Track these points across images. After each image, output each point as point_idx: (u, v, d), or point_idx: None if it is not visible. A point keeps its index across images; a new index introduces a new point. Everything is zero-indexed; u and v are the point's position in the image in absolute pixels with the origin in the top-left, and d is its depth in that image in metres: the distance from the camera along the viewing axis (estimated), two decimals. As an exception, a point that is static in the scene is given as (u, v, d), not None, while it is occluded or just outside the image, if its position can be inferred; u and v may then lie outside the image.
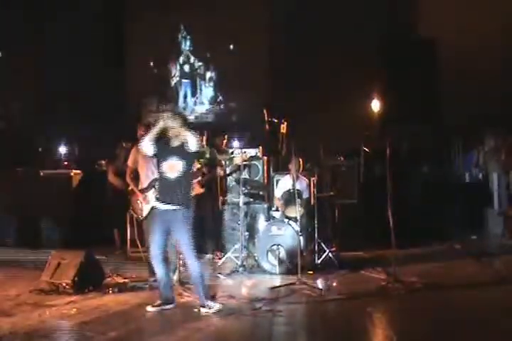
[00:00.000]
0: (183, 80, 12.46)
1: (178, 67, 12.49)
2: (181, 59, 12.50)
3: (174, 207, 5.57)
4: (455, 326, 5.18)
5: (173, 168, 5.57)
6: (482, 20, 10.27)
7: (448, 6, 10.71)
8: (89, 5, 11.40)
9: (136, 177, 6.87)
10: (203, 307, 5.55)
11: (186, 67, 12.46)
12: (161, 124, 5.49)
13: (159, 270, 5.69)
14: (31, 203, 9.28)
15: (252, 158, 8.32)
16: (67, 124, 10.09)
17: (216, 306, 5.55)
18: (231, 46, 12.13)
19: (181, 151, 5.54)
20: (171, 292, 5.77)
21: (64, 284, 6.37)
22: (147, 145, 5.55)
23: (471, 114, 10.15)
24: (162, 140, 5.56)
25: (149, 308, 5.65)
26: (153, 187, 6.69)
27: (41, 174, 9.41)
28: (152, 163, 6.71)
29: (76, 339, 5.00)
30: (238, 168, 8.23)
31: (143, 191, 6.78)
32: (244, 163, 8.12)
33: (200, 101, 12.39)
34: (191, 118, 11.97)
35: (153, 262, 5.70)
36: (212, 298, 6.04)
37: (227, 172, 8.24)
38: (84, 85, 10.80)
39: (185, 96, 12.45)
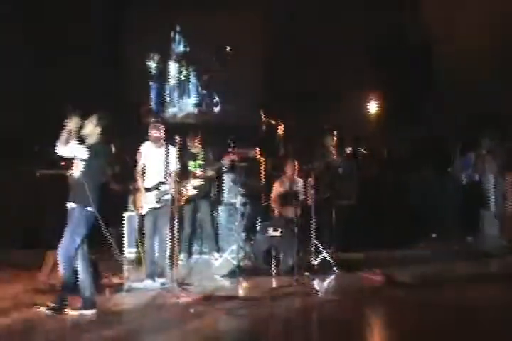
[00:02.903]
0: (179, 81, 12.45)
1: (174, 69, 12.48)
2: (177, 61, 12.48)
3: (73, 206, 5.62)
4: (451, 326, 5.21)
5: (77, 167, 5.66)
6: (478, 23, 10.31)
7: (445, 10, 10.75)
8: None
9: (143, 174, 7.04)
10: (78, 309, 5.52)
11: (182, 69, 12.45)
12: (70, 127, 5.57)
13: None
14: (29, 203, 9.30)
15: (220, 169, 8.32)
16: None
17: (89, 311, 5.51)
18: (228, 49, 12.12)
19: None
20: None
21: (60, 284, 6.38)
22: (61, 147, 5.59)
23: (468, 117, 10.19)
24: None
25: (71, 311, 5.54)
26: (157, 189, 6.83)
27: (37, 174, 9.41)
28: (160, 164, 6.85)
29: (73, 338, 5.02)
30: (220, 168, 8.28)
31: (147, 190, 6.87)
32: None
33: (196, 102, 12.38)
34: (189, 119, 11.99)
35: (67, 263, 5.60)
36: (209, 298, 6.08)
37: (213, 172, 8.19)
38: (81, 85, 10.76)
39: (180, 98, 12.44)
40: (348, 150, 8.65)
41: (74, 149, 5.57)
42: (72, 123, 5.55)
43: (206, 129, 9.69)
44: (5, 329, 5.10)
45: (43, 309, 5.53)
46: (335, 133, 8.53)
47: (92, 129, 5.66)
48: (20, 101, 10.91)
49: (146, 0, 11.92)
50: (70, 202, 5.62)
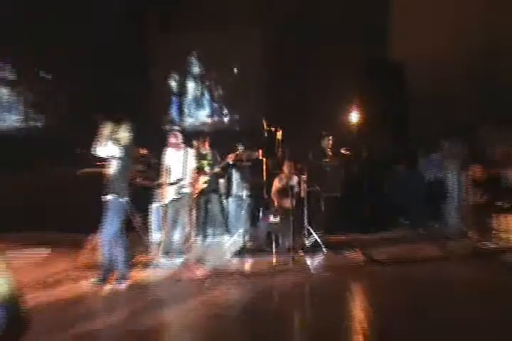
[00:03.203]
0: (193, 94, 12.36)
1: (190, 84, 12.37)
2: (193, 79, 12.39)
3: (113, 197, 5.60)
4: (419, 295, 5.24)
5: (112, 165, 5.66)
6: (451, 42, 10.18)
7: (420, 29, 10.59)
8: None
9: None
10: (117, 282, 5.56)
11: (196, 84, 12.37)
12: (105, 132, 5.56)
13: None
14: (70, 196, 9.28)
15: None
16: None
17: (123, 285, 5.54)
18: (235, 69, 12.05)
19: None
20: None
21: (99, 262, 6.40)
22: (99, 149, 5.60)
23: (434, 124, 10.13)
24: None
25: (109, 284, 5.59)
26: (177, 183, 6.86)
27: (77, 172, 9.32)
28: (179, 164, 6.87)
29: (108, 307, 5.05)
30: (228, 165, 8.27)
31: (171, 184, 6.92)
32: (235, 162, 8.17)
33: (208, 113, 12.32)
34: (203, 126, 11.96)
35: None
36: (220, 273, 6.10)
37: (218, 168, 8.20)
38: (114, 97, 10.66)
39: (194, 108, 12.36)
40: (337, 151, 8.65)
41: (110, 150, 5.58)
42: (106, 129, 5.56)
43: (217, 135, 9.70)
44: (54, 300, 5.16)
45: (87, 283, 5.59)
46: (330, 137, 8.57)
47: (123, 133, 5.67)
48: (67, 111, 10.88)
49: (167, 26, 11.73)
50: (107, 194, 5.63)
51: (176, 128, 11.07)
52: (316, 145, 8.51)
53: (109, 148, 5.58)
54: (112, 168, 5.66)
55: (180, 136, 7.14)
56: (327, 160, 8.45)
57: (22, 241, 8.08)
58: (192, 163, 7.09)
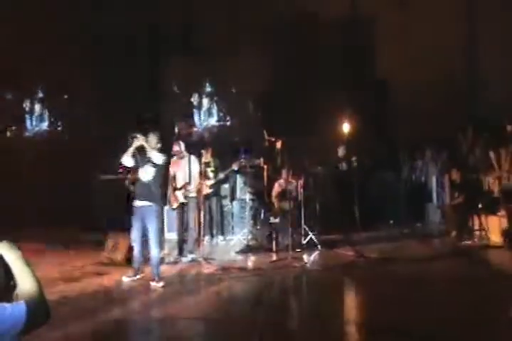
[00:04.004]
0: (202, 108, 12.38)
1: (198, 99, 12.36)
2: (201, 93, 12.38)
3: (148, 204, 5.45)
4: (405, 287, 5.27)
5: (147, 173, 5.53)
6: (427, 63, 10.27)
7: (400, 52, 10.70)
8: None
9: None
10: (153, 281, 5.40)
11: (204, 100, 12.38)
12: (137, 144, 5.46)
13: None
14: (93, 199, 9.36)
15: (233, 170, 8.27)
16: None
17: (161, 283, 5.37)
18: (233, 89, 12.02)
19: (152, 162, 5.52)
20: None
21: (119, 259, 6.43)
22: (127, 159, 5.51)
23: (415, 134, 10.18)
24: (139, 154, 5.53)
25: (125, 278, 5.51)
26: (183, 188, 6.85)
27: (101, 178, 9.21)
28: (184, 170, 6.87)
29: (127, 298, 5.09)
30: (233, 172, 8.24)
31: (178, 189, 6.89)
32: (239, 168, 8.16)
33: (217, 125, 12.32)
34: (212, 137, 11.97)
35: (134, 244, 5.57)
36: (226, 269, 6.14)
37: (224, 175, 8.12)
38: (131, 106, 10.71)
39: (203, 120, 12.37)
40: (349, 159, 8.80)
41: (152, 156, 5.41)
42: (138, 142, 5.43)
43: (223, 144, 9.73)
44: (79, 292, 5.18)
45: (124, 277, 5.52)
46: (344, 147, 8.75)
47: (155, 144, 5.54)
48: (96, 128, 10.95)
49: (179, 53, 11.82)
50: (143, 200, 5.43)
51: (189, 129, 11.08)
52: (314, 154, 8.59)
53: (153, 156, 5.42)
54: (147, 176, 5.49)
55: (182, 144, 7.01)
56: (320, 167, 8.50)
57: (47, 238, 8.07)
58: (196, 170, 6.92)
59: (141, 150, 5.51)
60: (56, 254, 7.20)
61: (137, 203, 5.49)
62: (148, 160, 5.48)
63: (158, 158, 5.47)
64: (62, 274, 5.93)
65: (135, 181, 5.68)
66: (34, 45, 10.29)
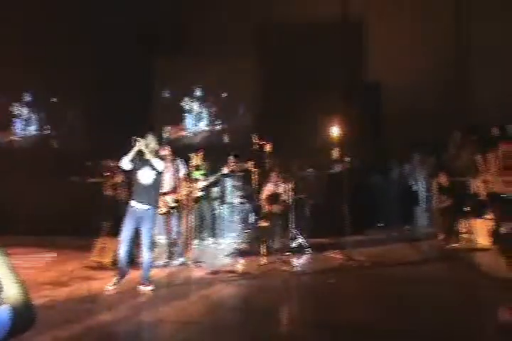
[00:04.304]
0: (196, 113, 12.37)
1: (193, 105, 12.35)
2: (195, 99, 12.37)
3: (147, 207, 5.42)
4: (394, 291, 5.31)
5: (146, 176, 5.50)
6: (417, 66, 10.35)
7: (391, 54, 10.76)
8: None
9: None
10: (142, 285, 5.40)
11: (195, 104, 12.37)
12: (137, 147, 5.43)
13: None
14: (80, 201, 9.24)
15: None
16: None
17: (150, 287, 5.38)
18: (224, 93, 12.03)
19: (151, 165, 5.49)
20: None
21: (106, 262, 6.41)
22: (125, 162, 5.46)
23: (404, 138, 10.24)
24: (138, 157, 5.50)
25: (109, 287, 5.37)
26: (171, 193, 6.82)
27: (87, 181, 9.18)
28: (170, 174, 6.85)
29: (115, 302, 5.07)
30: (223, 176, 8.22)
31: (163, 194, 6.85)
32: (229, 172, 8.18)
33: (207, 128, 12.33)
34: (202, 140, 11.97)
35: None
36: (216, 272, 6.13)
37: (214, 178, 8.09)
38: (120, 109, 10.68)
39: (194, 124, 12.38)
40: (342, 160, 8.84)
41: (153, 162, 5.39)
42: (139, 146, 5.40)
43: (213, 147, 9.73)
44: (66, 296, 5.17)
45: (107, 286, 5.38)
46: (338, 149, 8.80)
47: (153, 146, 5.52)
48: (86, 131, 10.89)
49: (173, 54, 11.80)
50: (141, 203, 5.39)
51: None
52: (300, 157, 8.62)
53: (153, 160, 5.39)
54: (148, 179, 5.46)
55: (168, 148, 6.96)
56: (310, 170, 8.54)
57: (34, 243, 8.02)
58: (184, 173, 6.87)
59: (140, 154, 5.49)
60: (43, 259, 7.14)
61: (135, 205, 5.44)
62: (148, 164, 5.46)
63: (161, 165, 5.47)
64: (49, 278, 5.89)
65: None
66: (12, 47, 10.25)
